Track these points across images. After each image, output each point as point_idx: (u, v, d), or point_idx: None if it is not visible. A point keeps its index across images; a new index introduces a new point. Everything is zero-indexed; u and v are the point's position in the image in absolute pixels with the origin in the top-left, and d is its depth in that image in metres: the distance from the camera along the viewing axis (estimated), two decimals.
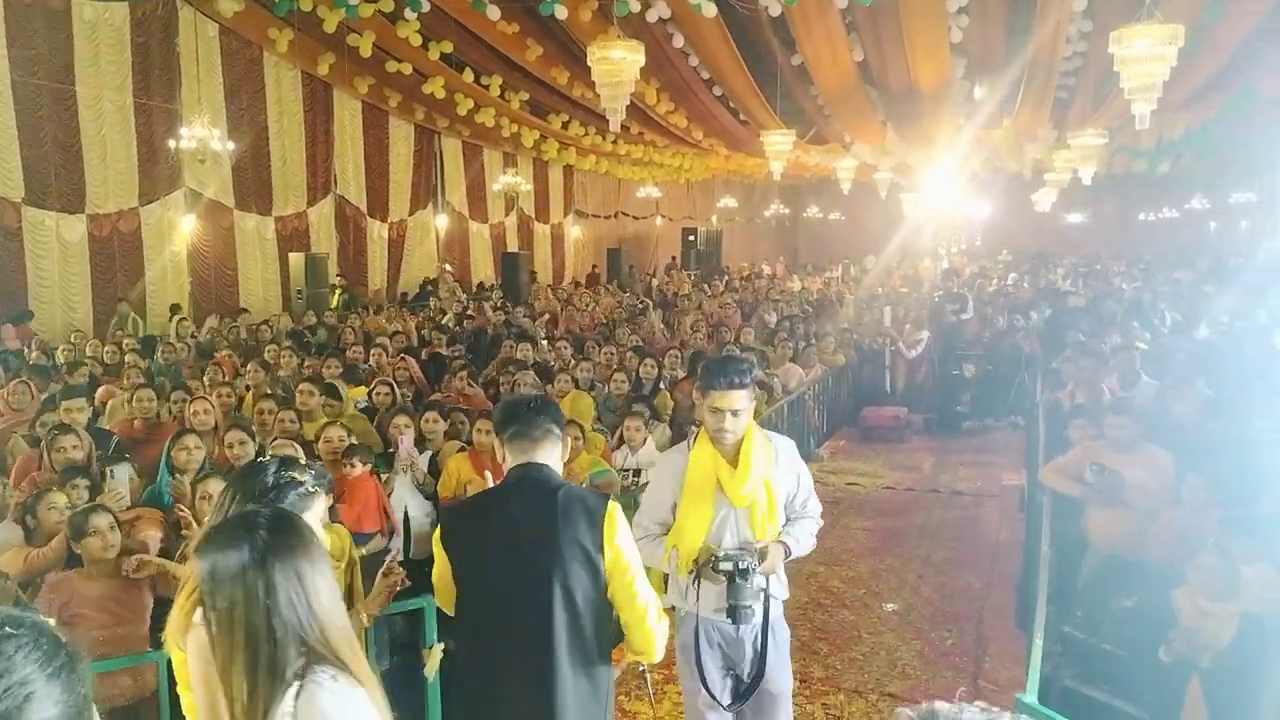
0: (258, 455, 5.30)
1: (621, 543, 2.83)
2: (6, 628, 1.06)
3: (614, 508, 2.87)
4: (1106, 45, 8.86)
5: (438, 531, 3.02)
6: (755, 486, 3.35)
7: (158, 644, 3.92)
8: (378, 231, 18.94)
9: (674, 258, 29.71)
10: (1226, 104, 13.91)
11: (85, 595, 3.88)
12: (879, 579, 6.58)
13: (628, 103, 10.49)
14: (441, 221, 21.07)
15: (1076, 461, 5.60)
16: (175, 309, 13.67)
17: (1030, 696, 3.29)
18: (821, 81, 14.63)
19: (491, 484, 5.51)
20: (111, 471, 4.59)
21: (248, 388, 7.81)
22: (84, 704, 1.12)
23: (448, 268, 20.24)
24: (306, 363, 8.84)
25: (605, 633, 2.89)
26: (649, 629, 2.86)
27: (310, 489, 2.41)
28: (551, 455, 2.97)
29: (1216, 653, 3.77)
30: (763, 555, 3.37)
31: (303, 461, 4.31)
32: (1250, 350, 8.62)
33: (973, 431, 11.33)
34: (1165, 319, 11.68)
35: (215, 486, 4.43)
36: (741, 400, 3.34)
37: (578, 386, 8.21)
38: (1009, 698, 3.28)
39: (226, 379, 8.19)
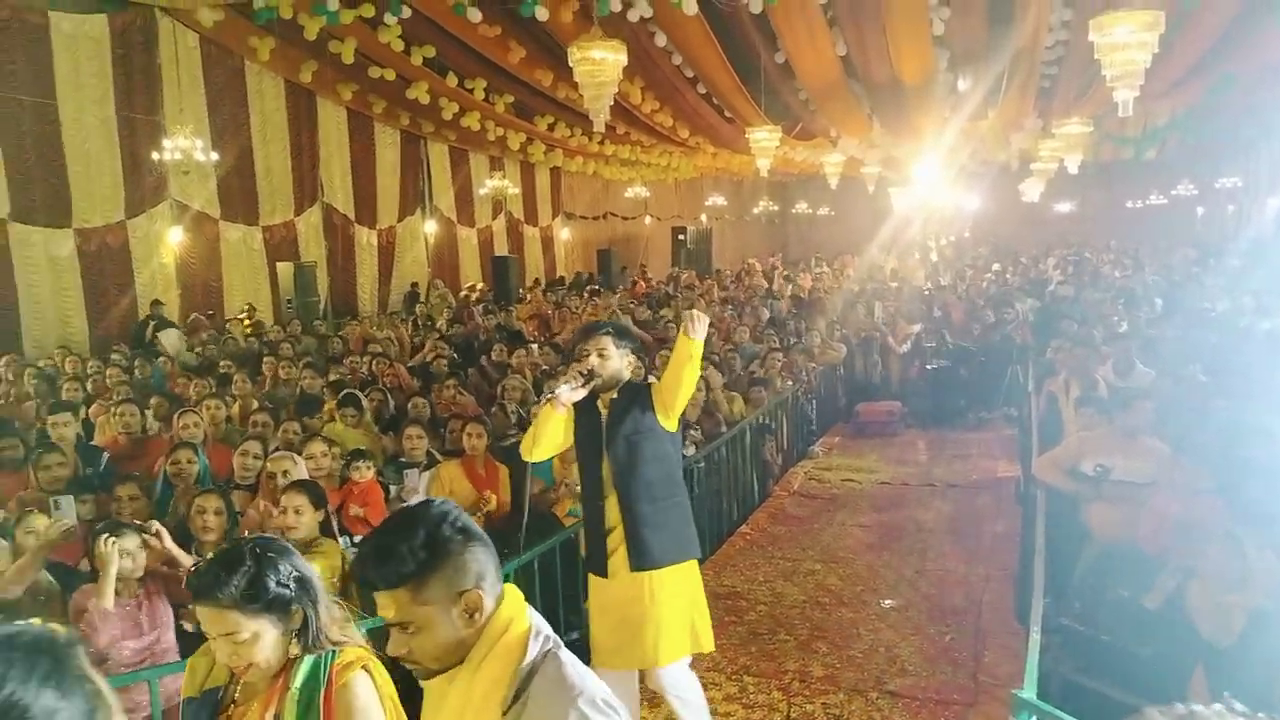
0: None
1: None
2: None
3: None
4: (1087, 33, 8.87)
5: None
6: None
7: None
8: (366, 239, 18.85)
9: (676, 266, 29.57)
10: (1209, 90, 13.94)
11: (105, 610, 3.82)
12: (877, 575, 6.56)
13: (611, 103, 10.49)
14: (430, 227, 21.00)
15: (1070, 453, 5.60)
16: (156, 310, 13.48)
17: (1028, 692, 3.26)
18: (805, 77, 14.63)
19: (481, 493, 5.54)
20: (56, 503, 4.53)
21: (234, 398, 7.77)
22: (93, 703, 1.02)
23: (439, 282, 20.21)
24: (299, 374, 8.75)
25: None
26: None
27: None
28: None
29: (1226, 643, 3.75)
30: None
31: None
32: (1243, 337, 8.63)
33: (967, 424, 11.32)
34: (1156, 306, 11.70)
35: (212, 503, 4.41)
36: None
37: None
38: (1009, 692, 3.25)
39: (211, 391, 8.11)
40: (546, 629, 1.85)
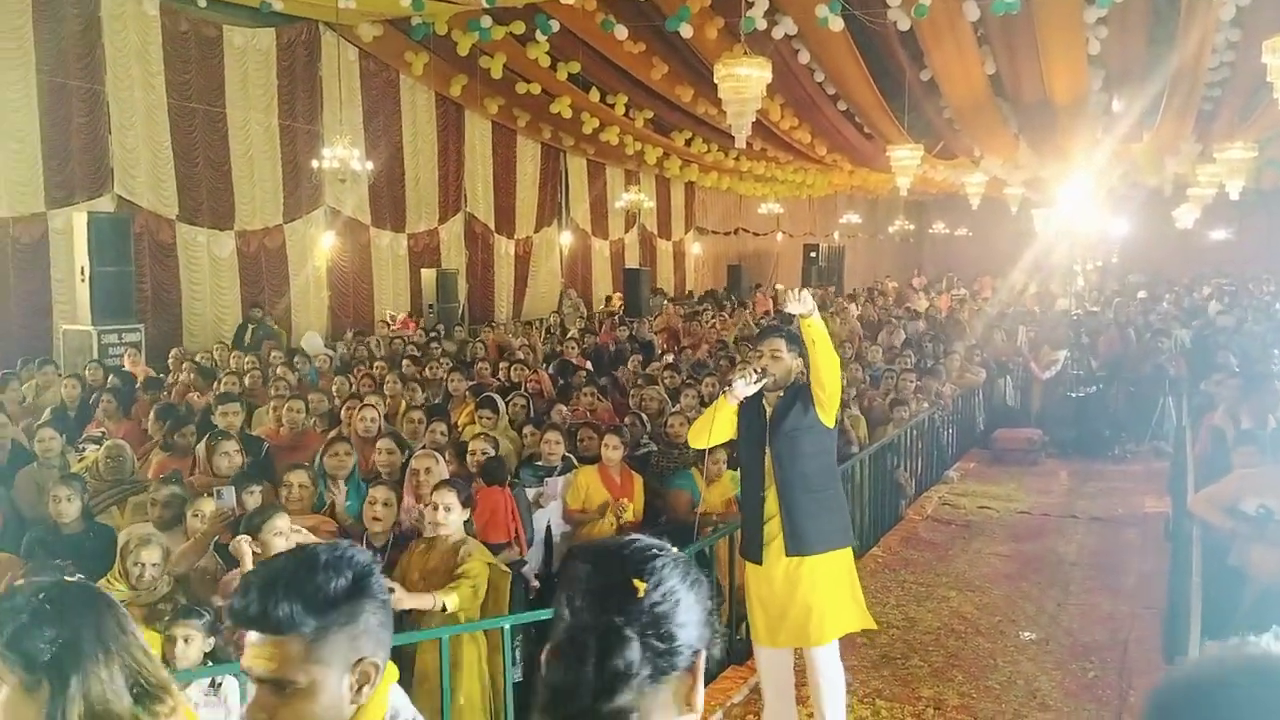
0: (405, 464, 5.50)
1: None
2: (654, 550, 1.31)
3: None
4: (1257, 55, 8.53)
5: None
6: None
7: None
8: (505, 248, 19.35)
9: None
10: None
11: None
12: (1015, 606, 6.38)
13: (754, 119, 10.52)
14: (565, 238, 21.40)
15: (1231, 491, 5.34)
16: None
17: None
18: (951, 95, 14.38)
19: (615, 500, 5.65)
20: (219, 492, 4.80)
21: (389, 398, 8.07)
22: (713, 611, 1.35)
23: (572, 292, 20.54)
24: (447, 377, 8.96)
25: None
26: None
27: None
28: None
29: None
30: None
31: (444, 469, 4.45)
32: None
33: (1112, 456, 10.89)
34: None
35: (381, 494, 4.58)
36: None
37: (703, 403, 8.20)
38: None
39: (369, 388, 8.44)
40: (406, 711, 1.61)
